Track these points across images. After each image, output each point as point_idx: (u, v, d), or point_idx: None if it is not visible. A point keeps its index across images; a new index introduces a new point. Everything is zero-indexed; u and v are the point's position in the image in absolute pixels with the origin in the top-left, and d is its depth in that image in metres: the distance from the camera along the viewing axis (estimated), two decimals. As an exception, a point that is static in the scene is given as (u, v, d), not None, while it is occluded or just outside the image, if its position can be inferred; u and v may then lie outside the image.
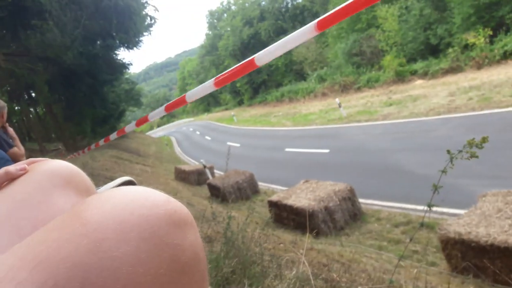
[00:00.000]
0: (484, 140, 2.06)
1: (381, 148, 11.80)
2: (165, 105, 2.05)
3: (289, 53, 38.34)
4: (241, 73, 1.21)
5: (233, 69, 1.24)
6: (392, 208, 7.73)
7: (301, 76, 36.87)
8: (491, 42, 18.18)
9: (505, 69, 15.66)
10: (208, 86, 1.38)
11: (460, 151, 2.11)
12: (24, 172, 0.55)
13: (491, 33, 18.43)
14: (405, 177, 8.86)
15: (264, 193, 11.42)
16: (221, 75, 1.32)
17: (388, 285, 2.59)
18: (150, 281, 0.29)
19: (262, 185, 12.06)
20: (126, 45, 18.74)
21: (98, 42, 17.00)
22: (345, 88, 26.66)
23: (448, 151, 2.19)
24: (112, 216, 0.31)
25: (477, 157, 2.06)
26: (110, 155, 16.23)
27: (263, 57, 1.10)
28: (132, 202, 0.34)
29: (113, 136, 3.56)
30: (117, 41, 17.98)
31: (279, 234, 6.44)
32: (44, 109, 23.37)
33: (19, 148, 2.80)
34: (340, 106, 19.68)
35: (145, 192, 0.36)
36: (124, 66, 21.23)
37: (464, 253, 4.35)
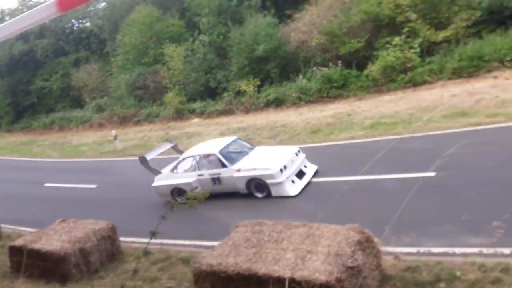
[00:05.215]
0: (205, 194, 2.63)
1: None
2: None
3: (67, 76, 35.24)
4: None
5: None
6: (151, 245, 7.34)
7: (78, 103, 34.14)
8: (259, 91, 20.65)
9: (266, 115, 18.33)
10: None
11: (182, 203, 2.48)
12: None
13: (259, 83, 20.91)
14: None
15: (7, 237, 9.94)
16: None
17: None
18: None
19: (6, 227, 10.54)
20: None
21: None
22: (124, 120, 26.14)
23: (168, 201, 3.04)
24: None
25: (196, 208, 2.49)
26: None
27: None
28: None
29: None
30: None
31: (16, 286, 6.08)
32: None
33: None
34: (116, 139, 18.98)
35: None
36: None
37: (214, 284, 4.55)
